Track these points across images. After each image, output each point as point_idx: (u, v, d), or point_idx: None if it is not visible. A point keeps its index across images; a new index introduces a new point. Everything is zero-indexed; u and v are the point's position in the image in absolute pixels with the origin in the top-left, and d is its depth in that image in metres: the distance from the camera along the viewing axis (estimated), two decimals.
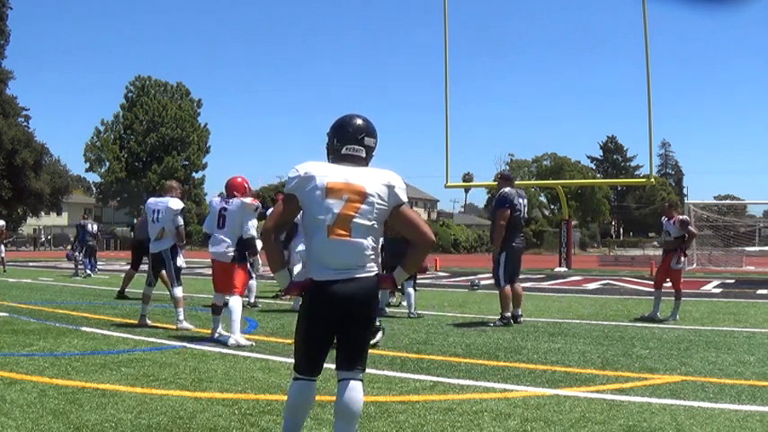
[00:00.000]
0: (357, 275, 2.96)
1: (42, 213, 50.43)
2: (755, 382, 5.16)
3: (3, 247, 18.43)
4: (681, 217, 9.62)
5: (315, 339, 3.04)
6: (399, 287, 9.57)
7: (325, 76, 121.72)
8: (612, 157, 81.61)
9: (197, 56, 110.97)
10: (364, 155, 3.12)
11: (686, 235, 9.40)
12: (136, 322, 8.01)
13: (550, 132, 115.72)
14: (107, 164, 54.60)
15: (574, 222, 38.89)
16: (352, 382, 2.98)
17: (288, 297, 10.10)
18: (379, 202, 2.99)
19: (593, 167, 76.99)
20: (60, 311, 9.18)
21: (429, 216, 75.39)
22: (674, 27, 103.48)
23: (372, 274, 3.01)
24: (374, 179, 3.02)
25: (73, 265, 18.23)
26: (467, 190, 56.02)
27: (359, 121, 3.15)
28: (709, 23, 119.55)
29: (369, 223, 2.98)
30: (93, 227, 18.24)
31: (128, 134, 55.54)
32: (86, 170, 56.21)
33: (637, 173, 76.31)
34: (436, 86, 79.76)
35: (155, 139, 54.69)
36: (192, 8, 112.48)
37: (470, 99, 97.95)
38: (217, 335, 6.94)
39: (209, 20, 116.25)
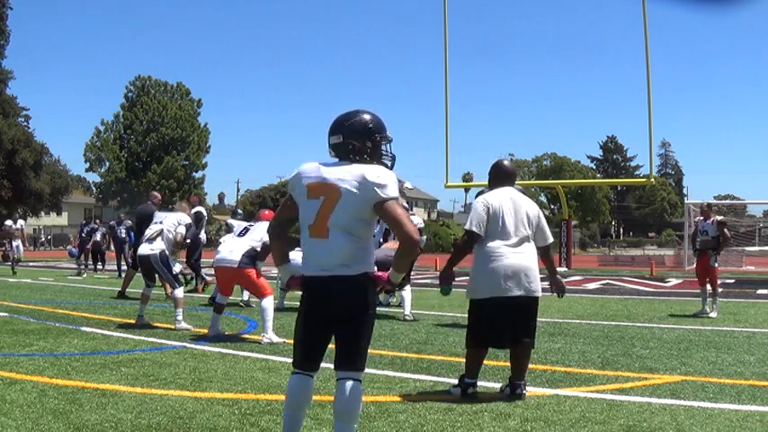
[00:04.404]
0: (339, 274, 2.95)
1: (42, 213, 50.40)
2: (755, 382, 5.16)
3: (21, 246, 18.29)
4: (719, 218, 10.11)
5: (306, 334, 3.09)
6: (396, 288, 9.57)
7: (326, 76, 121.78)
8: (612, 157, 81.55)
9: (197, 56, 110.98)
10: (335, 153, 3.10)
11: (721, 236, 9.80)
12: (133, 321, 8.00)
13: (550, 132, 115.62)
14: (107, 164, 54.57)
15: (574, 222, 38.86)
16: (348, 382, 2.97)
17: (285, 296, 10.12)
18: (356, 200, 2.95)
19: (594, 167, 76.93)
20: (60, 311, 9.18)
21: (429, 216, 75.38)
22: (674, 27, 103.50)
23: (357, 273, 2.97)
24: (349, 176, 2.97)
25: (76, 264, 18.34)
26: (467, 190, 55.78)
27: (335, 119, 3.14)
28: (708, 23, 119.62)
29: (346, 223, 2.95)
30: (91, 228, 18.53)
31: (128, 134, 55.50)
32: (86, 170, 56.22)
33: (637, 173, 76.28)
34: (436, 86, 79.77)
35: (155, 138, 54.66)
36: (191, 8, 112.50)
37: (470, 99, 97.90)
38: (274, 338, 6.81)
39: (208, 20, 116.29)
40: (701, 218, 10.19)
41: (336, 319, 3.01)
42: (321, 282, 2.99)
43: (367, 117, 3.13)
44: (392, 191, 2.96)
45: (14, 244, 17.87)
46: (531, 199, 4.90)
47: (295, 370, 3.11)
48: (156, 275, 8.08)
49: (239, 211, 16.13)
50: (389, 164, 3.18)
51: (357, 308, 3.00)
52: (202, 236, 12.49)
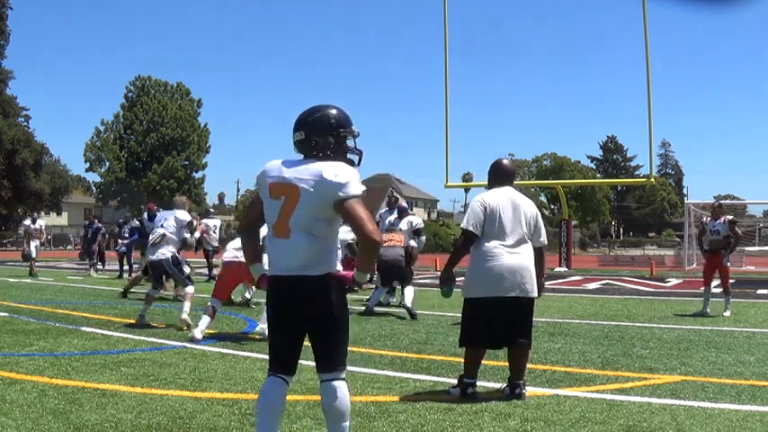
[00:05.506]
0: (301, 274, 2.91)
1: (42, 213, 50.43)
2: (755, 382, 5.16)
3: (38, 246, 18.11)
4: (729, 217, 10.13)
5: (275, 334, 3.05)
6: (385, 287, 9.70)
7: (326, 76, 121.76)
8: (612, 157, 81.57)
9: (197, 56, 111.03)
10: (299, 150, 3.05)
11: (732, 235, 9.88)
12: (134, 322, 8.00)
13: (550, 132, 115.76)
14: (107, 164, 54.54)
15: (574, 222, 38.85)
16: (328, 383, 2.96)
17: None
18: (313, 199, 2.88)
19: (594, 167, 76.93)
20: (60, 311, 9.18)
21: (429, 216, 75.33)
22: (674, 27, 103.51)
23: (319, 273, 2.92)
24: (307, 174, 2.91)
25: (88, 265, 18.37)
26: (467, 190, 55.79)
27: (298, 115, 3.08)
28: (708, 23, 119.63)
29: (307, 223, 2.90)
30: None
31: (128, 134, 55.46)
32: (86, 170, 56.13)
33: (637, 173, 76.27)
34: (436, 86, 79.72)
35: (155, 138, 54.63)
36: (191, 8, 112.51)
37: (470, 99, 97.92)
38: (197, 334, 6.81)
39: (208, 20, 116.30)
40: (710, 218, 10.22)
41: (302, 320, 2.96)
42: (284, 282, 2.95)
43: (330, 112, 3.06)
44: (352, 188, 2.87)
45: (33, 244, 17.78)
46: (530, 199, 4.88)
47: (269, 372, 3.05)
48: (165, 279, 8.17)
49: (211, 210, 16.94)
50: (356, 159, 3.10)
51: (320, 308, 2.94)
52: None
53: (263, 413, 2.97)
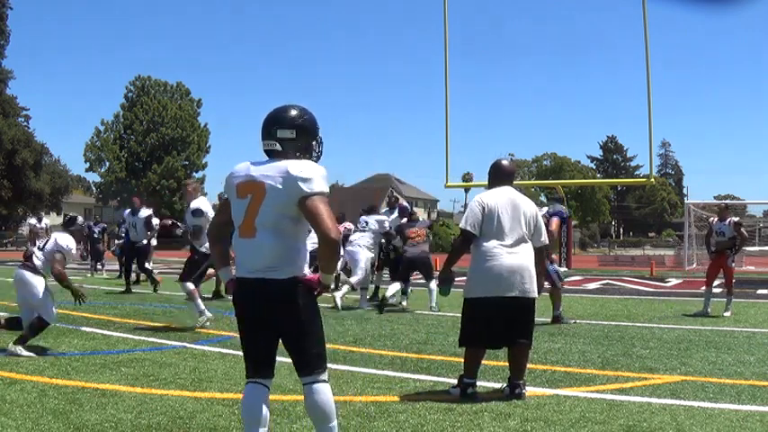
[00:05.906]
0: (268, 277, 2.86)
1: (42, 213, 50.41)
2: (755, 382, 5.16)
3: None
4: (735, 219, 10.17)
5: (245, 338, 3.02)
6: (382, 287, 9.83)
7: (326, 76, 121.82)
8: (612, 157, 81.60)
9: (197, 56, 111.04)
10: (280, 148, 2.99)
11: (738, 236, 9.91)
12: (134, 321, 7.98)
13: (550, 132, 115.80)
14: (107, 164, 54.59)
15: (574, 222, 38.85)
16: (310, 386, 2.94)
17: None
18: (279, 196, 2.85)
19: (594, 167, 76.98)
20: (60, 311, 9.13)
21: (429, 216, 75.35)
22: (674, 27, 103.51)
23: (286, 276, 2.87)
24: (274, 171, 2.89)
25: (90, 265, 18.30)
26: (467, 190, 55.80)
27: (272, 113, 3.05)
28: (708, 23, 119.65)
29: (273, 221, 2.87)
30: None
31: (128, 134, 55.53)
32: (86, 170, 56.24)
33: (637, 173, 76.29)
34: (436, 86, 79.72)
35: (155, 138, 54.68)
36: (191, 8, 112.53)
37: (470, 99, 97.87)
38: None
39: (208, 20, 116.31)
40: (716, 219, 10.29)
41: (269, 322, 2.92)
42: (248, 284, 2.91)
43: (313, 115, 3.10)
44: (317, 185, 2.85)
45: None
46: (530, 199, 4.88)
47: (248, 379, 3.02)
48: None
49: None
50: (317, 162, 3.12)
51: (286, 313, 2.89)
52: (153, 241, 12.63)
53: (246, 422, 2.97)
